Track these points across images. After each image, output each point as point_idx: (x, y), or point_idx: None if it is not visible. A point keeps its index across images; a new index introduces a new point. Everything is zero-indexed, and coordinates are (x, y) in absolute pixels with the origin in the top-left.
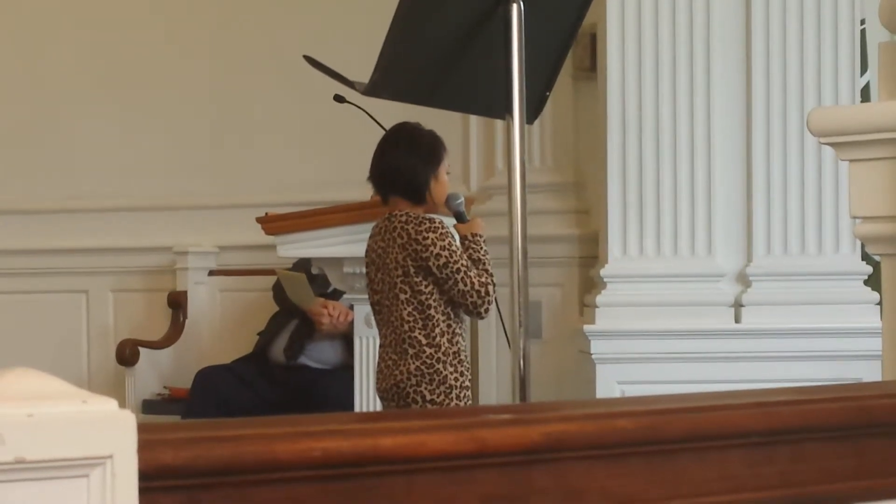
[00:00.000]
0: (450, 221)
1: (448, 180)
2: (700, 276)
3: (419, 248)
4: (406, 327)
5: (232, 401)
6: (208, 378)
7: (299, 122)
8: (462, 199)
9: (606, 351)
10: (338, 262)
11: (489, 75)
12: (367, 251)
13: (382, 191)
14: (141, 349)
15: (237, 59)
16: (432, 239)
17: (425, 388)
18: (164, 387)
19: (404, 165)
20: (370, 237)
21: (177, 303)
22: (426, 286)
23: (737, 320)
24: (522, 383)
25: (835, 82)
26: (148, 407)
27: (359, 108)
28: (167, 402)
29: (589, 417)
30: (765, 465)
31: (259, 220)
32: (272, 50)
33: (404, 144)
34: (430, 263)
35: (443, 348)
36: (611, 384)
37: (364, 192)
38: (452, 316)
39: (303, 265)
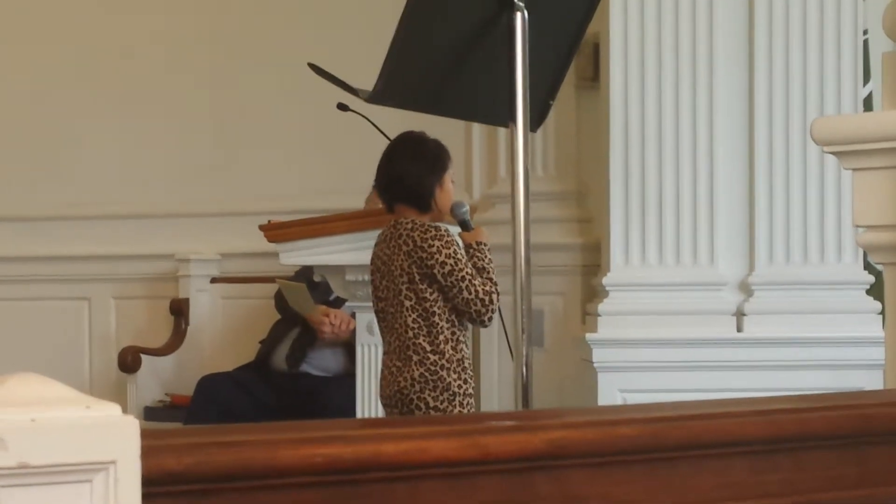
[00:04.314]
0: (455, 229)
1: (453, 188)
2: (702, 285)
3: (424, 255)
4: (410, 334)
5: (233, 408)
6: (210, 385)
7: (302, 131)
8: (467, 207)
9: (608, 359)
10: (340, 269)
11: (492, 83)
12: (372, 258)
13: (388, 199)
14: (143, 356)
15: (240, 66)
16: (438, 247)
17: (429, 395)
18: (166, 394)
19: (409, 174)
20: (376, 244)
21: (179, 310)
22: (431, 293)
23: (739, 329)
24: (525, 391)
25: (837, 92)
26: (149, 414)
27: (362, 116)
28: (169, 410)
29: (591, 425)
30: (767, 473)
31: (261, 227)
32: (275, 58)
33: (409, 153)
34: (436, 271)
35: (447, 355)
36: (613, 392)
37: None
38: (457, 323)
39: (305, 273)
